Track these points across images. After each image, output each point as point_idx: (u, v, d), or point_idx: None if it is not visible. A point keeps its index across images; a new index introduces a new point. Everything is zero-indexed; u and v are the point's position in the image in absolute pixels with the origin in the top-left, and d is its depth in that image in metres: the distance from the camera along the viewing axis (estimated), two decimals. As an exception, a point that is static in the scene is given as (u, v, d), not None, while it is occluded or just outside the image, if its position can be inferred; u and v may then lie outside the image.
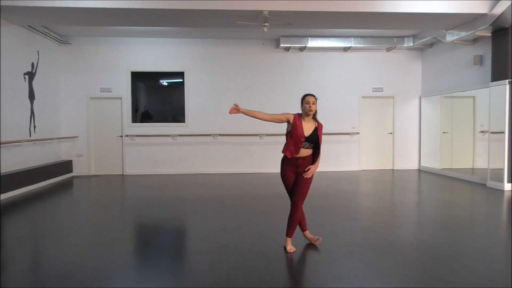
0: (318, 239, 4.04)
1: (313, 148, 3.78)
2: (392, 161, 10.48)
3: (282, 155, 3.85)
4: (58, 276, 3.29)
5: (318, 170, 3.86)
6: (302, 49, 9.83)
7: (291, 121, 3.74)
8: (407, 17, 7.08)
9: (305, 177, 3.73)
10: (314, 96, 3.74)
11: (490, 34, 7.60)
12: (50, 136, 8.79)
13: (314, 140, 3.73)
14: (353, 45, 9.63)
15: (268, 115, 3.74)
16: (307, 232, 4.08)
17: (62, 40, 9.29)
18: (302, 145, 3.70)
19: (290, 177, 3.82)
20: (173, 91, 11.12)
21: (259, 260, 3.64)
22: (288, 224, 3.87)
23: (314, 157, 3.79)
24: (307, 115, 3.73)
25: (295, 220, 3.83)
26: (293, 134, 3.72)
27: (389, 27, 8.31)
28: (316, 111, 3.75)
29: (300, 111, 3.82)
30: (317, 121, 3.81)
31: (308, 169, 3.74)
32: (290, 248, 3.82)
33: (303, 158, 3.75)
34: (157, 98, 11.91)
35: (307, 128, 3.72)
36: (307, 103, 3.69)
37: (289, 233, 3.86)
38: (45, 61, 8.65)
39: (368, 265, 3.49)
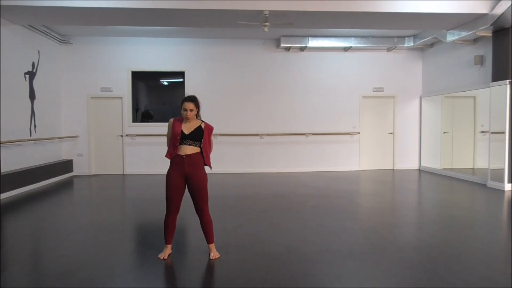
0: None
1: (200, 147, 3.65)
2: (393, 161, 10.47)
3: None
4: (58, 275, 3.30)
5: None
6: (302, 49, 9.83)
7: (171, 125, 3.67)
8: (407, 17, 7.08)
9: None
10: (193, 101, 3.56)
11: (490, 34, 7.60)
12: (50, 135, 8.79)
13: (198, 138, 3.62)
14: (354, 45, 9.62)
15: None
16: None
17: (63, 39, 9.30)
18: (178, 143, 3.61)
19: (175, 179, 3.66)
20: (174, 90, 11.14)
21: (259, 260, 3.64)
22: (205, 233, 3.70)
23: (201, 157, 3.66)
24: (186, 119, 3.62)
25: (210, 224, 3.70)
26: (170, 134, 3.67)
27: (390, 27, 8.32)
28: (198, 114, 3.65)
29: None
30: (203, 121, 3.69)
31: None
32: (214, 254, 3.66)
33: (189, 156, 3.63)
34: (157, 98, 11.92)
35: (188, 127, 3.61)
36: (185, 110, 3.56)
37: (210, 239, 3.71)
38: (45, 61, 8.66)
39: (368, 265, 3.50)
